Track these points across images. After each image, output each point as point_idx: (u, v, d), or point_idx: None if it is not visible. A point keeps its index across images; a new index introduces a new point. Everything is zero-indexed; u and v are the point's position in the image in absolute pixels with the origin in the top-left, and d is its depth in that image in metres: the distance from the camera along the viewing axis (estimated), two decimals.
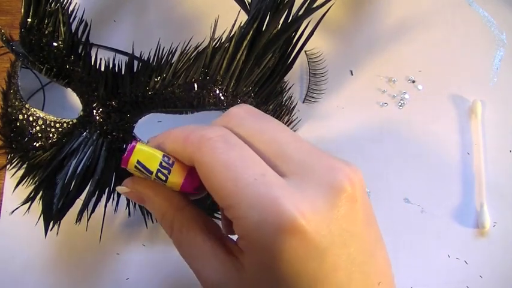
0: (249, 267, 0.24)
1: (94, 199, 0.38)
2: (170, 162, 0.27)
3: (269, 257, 0.22)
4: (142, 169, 0.27)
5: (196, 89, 0.38)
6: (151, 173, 0.27)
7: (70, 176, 0.36)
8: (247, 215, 0.22)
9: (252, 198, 0.22)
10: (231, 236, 0.28)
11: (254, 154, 0.24)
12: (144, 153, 0.27)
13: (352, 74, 0.49)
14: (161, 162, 0.27)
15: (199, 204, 0.30)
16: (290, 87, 0.46)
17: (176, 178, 0.27)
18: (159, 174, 0.27)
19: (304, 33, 0.39)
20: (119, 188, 0.29)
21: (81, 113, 0.39)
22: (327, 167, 0.24)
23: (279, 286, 0.23)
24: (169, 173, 0.27)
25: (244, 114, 0.27)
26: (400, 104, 0.48)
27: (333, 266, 0.23)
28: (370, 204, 0.26)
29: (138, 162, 0.27)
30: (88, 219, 0.39)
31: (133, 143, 0.27)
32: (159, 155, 0.27)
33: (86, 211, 0.38)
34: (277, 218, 0.22)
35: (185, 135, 0.25)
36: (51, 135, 0.39)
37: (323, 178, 0.23)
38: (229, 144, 0.24)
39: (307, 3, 0.38)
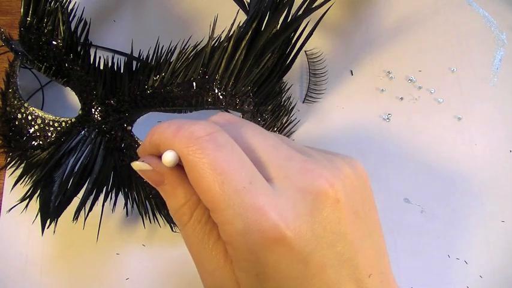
0: (237, 272, 0.24)
1: (92, 198, 0.38)
2: None
3: (255, 263, 0.23)
4: None
5: (194, 88, 0.38)
6: None
7: (68, 174, 0.36)
8: (233, 221, 0.23)
9: (239, 206, 0.22)
10: None
11: (243, 155, 0.24)
12: None
13: (352, 74, 0.49)
14: None
15: None
16: (289, 88, 0.45)
17: None
18: None
19: (304, 33, 0.39)
20: (136, 164, 0.26)
21: (80, 112, 0.39)
22: (303, 171, 0.24)
23: None
24: None
25: (223, 122, 0.27)
26: (400, 104, 0.48)
27: (321, 267, 0.23)
28: (362, 197, 0.26)
29: None
30: (85, 218, 0.39)
31: None
32: None
33: (83, 210, 0.38)
34: (262, 227, 0.22)
35: (174, 131, 0.24)
36: (49, 134, 0.39)
37: (301, 183, 0.24)
38: (219, 144, 0.23)
39: (306, 3, 0.38)
